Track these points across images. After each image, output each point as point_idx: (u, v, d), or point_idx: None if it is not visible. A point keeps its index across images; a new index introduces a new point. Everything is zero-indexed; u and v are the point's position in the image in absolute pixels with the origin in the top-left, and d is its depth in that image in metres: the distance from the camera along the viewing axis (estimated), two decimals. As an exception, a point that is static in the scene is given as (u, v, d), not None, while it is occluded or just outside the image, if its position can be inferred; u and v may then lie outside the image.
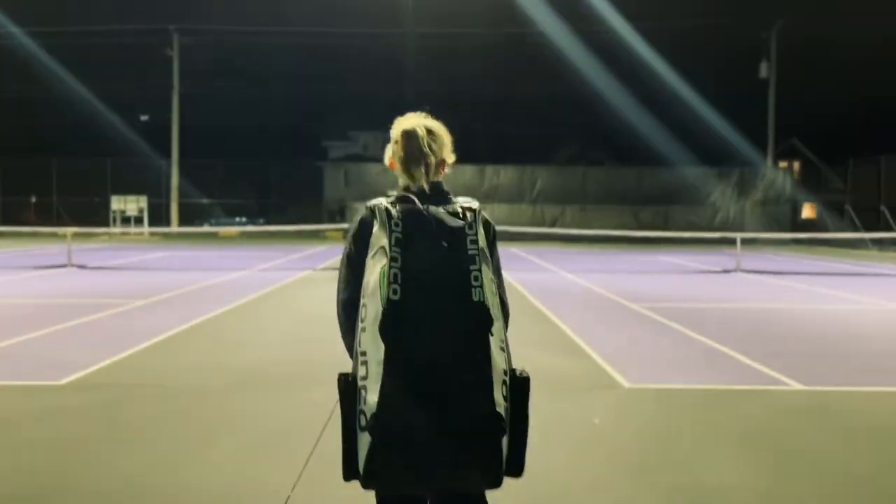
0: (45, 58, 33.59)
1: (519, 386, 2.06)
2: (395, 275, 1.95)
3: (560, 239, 28.99)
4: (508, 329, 2.18)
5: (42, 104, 34.00)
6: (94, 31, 32.95)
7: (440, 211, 2.07)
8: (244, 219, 41.37)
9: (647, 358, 6.97)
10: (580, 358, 6.91)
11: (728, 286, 13.65)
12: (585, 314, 9.95)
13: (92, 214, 31.80)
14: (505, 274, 2.46)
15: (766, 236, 23.57)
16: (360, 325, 1.97)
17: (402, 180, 2.24)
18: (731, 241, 27.06)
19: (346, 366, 2.11)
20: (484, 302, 1.98)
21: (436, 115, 2.33)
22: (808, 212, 36.58)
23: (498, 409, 1.94)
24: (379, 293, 1.94)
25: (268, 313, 9.66)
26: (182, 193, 35.46)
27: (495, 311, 2.02)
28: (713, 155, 37.11)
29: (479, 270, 2.00)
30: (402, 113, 2.34)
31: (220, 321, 8.96)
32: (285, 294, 11.71)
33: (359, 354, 1.97)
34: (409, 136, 2.22)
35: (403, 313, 1.92)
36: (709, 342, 7.75)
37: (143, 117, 35.04)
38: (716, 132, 37.94)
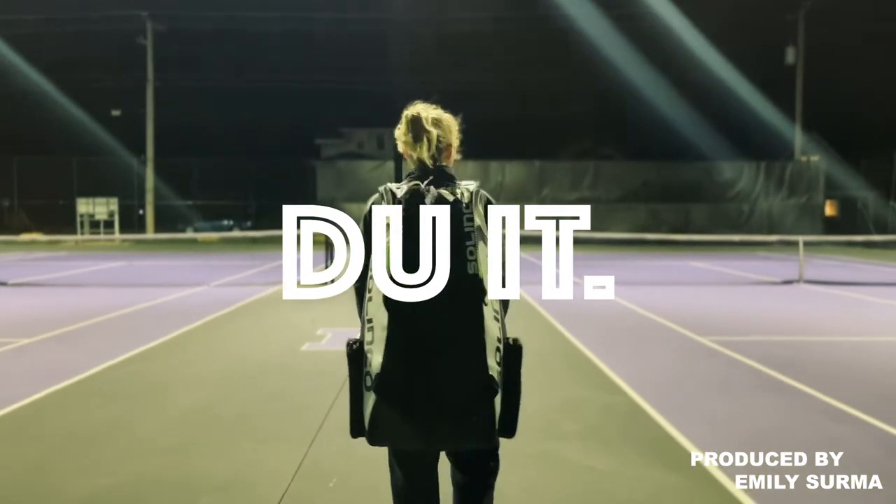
0: (3, 46, 30.69)
1: (513, 353, 2.26)
2: (398, 248, 2.13)
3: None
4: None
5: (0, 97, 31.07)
6: (60, 18, 30.08)
7: (441, 192, 2.22)
8: (230, 222, 38.68)
9: (753, 436, 4.11)
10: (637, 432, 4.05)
11: (809, 305, 10.77)
12: (635, 350, 7.09)
13: (57, 219, 28.97)
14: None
15: (830, 239, 20.44)
16: (368, 296, 2.22)
17: (411, 164, 2.42)
18: (764, 244, 24.34)
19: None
20: (478, 274, 2.17)
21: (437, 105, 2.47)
22: (829, 209, 33.72)
23: (490, 373, 2.14)
24: (384, 264, 2.14)
25: (174, 368, 6.81)
26: (159, 195, 32.66)
27: (490, 283, 2.19)
28: (737, 148, 34.25)
29: (475, 246, 2.19)
30: (397, 106, 2.55)
31: (91, 387, 6.10)
32: (224, 328, 8.86)
33: (365, 321, 2.22)
34: (414, 120, 2.40)
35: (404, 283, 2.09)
36: (855, 413, 4.89)
37: (115, 112, 32.12)
38: (739, 123, 35.08)
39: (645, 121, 39.84)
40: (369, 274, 2.23)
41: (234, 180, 35.29)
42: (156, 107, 31.38)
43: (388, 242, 2.18)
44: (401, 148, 2.45)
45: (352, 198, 29.07)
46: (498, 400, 2.18)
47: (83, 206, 29.94)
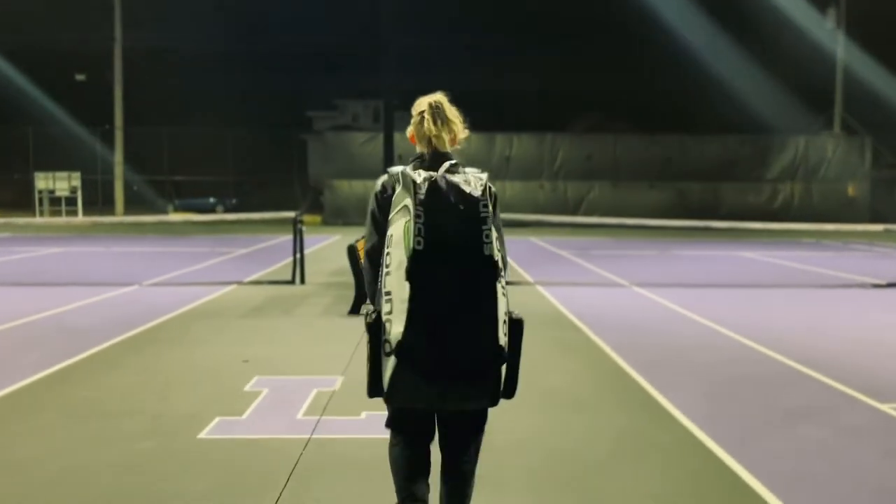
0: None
1: (515, 325, 2.42)
2: (419, 229, 2.28)
3: (586, 225, 22.89)
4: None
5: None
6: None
7: (456, 178, 2.37)
8: (214, 200, 35.70)
9: None
10: None
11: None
12: (774, 430, 4.03)
13: (12, 195, 25.82)
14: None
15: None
16: (385, 270, 2.34)
17: (419, 148, 2.59)
18: (799, 232, 21.11)
19: None
20: (493, 255, 2.32)
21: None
22: (851, 190, 30.60)
23: (500, 342, 2.34)
24: (403, 244, 2.30)
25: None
26: (136, 169, 29.53)
27: (501, 264, 2.37)
28: (769, 122, 31.09)
29: (490, 230, 2.33)
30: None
31: None
32: (107, 373, 5.81)
33: (383, 294, 2.33)
34: (434, 109, 2.56)
35: (426, 261, 2.27)
36: None
37: (79, 76, 28.77)
38: (770, 95, 31.89)
39: (666, 93, 36.65)
40: (386, 251, 2.36)
41: (219, 154, 32.09)
42: (124, 71, 28.12)
43: (408, 224, 2.31)
44: (415, 131, 2.60)
45: (341, 174, 25.90)
46: (503, 368, 2.40)
47: (42, 182, 26.82)
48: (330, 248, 16.35)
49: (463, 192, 2.34)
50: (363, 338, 2.50)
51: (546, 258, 14.35)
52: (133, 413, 4.40)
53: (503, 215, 2.70)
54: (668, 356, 6.01)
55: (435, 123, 2.54)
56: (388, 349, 2.31)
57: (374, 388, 2.41)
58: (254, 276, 11.04)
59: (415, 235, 2.28)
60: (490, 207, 2.36)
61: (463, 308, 2.29)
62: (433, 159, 2.52)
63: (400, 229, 2.33)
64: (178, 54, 33.55)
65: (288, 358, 5.83)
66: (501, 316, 2.35)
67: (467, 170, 2.47)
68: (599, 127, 37.29)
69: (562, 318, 7.71)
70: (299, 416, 4.37)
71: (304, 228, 10.60)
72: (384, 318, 2.32)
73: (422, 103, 2.60)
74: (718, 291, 9.90)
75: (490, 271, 2.32)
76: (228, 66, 39.82)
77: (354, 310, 7.84)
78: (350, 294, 8.29)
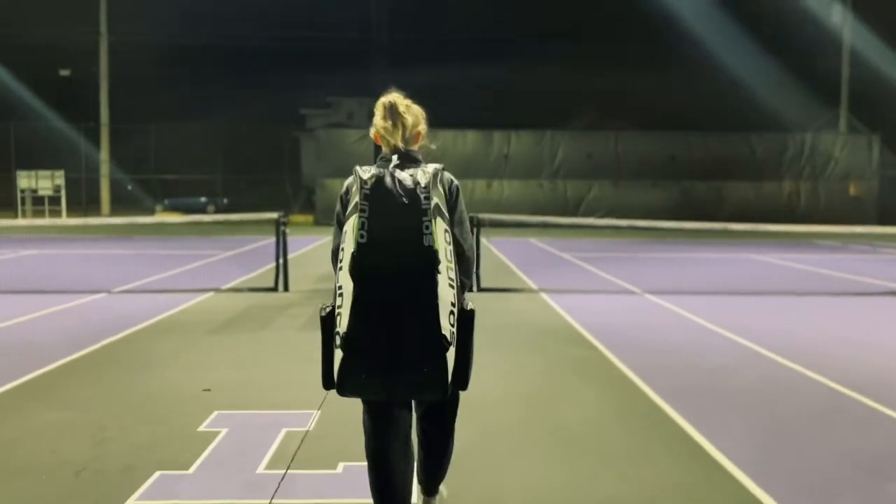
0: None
1: (465, 317, 2.46)
2: (363, 223, 2.34)
3: (586, 225, 21.96)
4: None
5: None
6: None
7: (402, 173, 2.43)
8: (205, 199, 34.89)
9: None
10: None
11: None
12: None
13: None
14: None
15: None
16: (339, 266, 2.42)
17: (384, 147, 2.62)
18: (813, 234, 20.32)
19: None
20: (433, 246, 2.34)
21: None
22: (854, 189, 29.79)
23: (443, 332, 2.34)
24: (352, 238, 2.36)
25: None
26: (122, 167, 28.63)
27: (444, 254, 2.38)
28: (771, 119, 30.33)
29: (431, 221, 2.36)
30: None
31: None
32: (47, 398, 4.97)
33: (336, 288, 2.41)
34: (387, 107, 2.62)
35: (369, 253, 2.33)
36: None
37: (64, 72, 27.80)
38: (775, 92, 31.13)
39: (666, 90, 35.84)
40: (341, 247, 2.43)
41: (209, 152, 31.18)
42: (110, 66, 27.20)
43: (355, 219, 2.36)
44: (375, 132, 2.64)
45: (334, 173, 25.00)
46: (451, 357, 2.38)
47: (24, 180, 25.90)
48: (320, 249, 15.49)
49: (405, 185, 2.39)
50: None
51: (548, 261, 13.51)
52: (51, 467, 3.54)
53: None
54: (702, 382, 5.17)
55: (385, 121, 2.60)
56: (337, 342, 2.38)
57: (327, 381, 2.46)
58: (234, 283, 10.18)
59: (358, 229, 2.34)
60: (434, 199, 2.39)
61: (404, 298, 2.34)
62: (391, 157, 2.55)
63: (351, 225, 2.38)
64: (166, 49, 32.63)
65: (258, 385, 4.99)
66: (445, 306, 2.36)
67: (427, 165, 2.51)
68: (599, 124, 36.48)
69: (572, 333, 6.87)
70: (260, 468, 3.53)
71: (287, 231, 9.75)
72: (336, 311, 2.39)
73: (378, 104, 2.66)
74: (740, 300, 9.08)
75: (430, 261, 2.35)
76: (220, 62, 38.89)
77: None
78: (336, 304, 7.44)
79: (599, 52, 39.39)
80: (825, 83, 30.88)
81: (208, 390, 4.81)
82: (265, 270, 11.30)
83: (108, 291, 9.27)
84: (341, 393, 2.44)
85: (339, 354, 2.39)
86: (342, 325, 2.35)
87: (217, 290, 9.43)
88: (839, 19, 28.76)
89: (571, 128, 31.74)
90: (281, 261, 9.54)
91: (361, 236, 2.33)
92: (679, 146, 26.13)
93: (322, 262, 12.66)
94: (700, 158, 25.90)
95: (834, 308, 8.63)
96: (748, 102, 31.82)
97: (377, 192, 2.36)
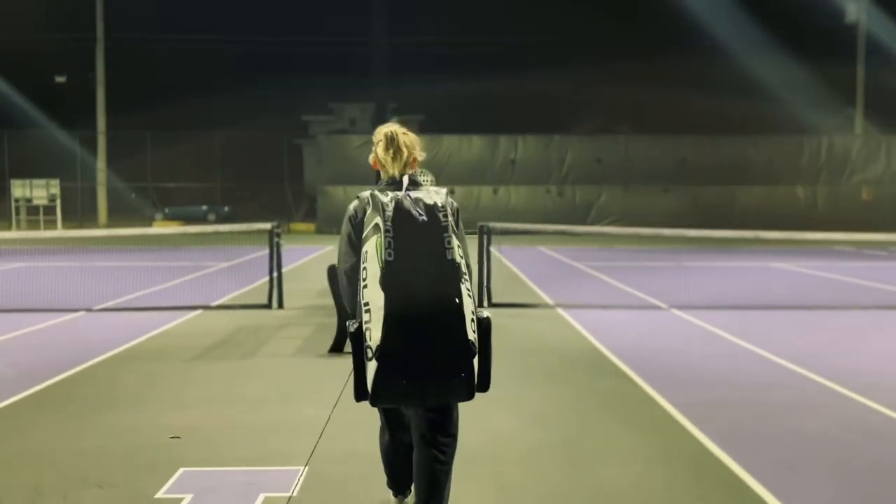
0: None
1: (482, 324, 2.64)
2: (389, 242, 2.53)
3: (594, 233, 21.19)
4: None
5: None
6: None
7: (419, 194, 2.65)
8: (206, 207, 34.34)
9: None
10: None
11: None
12: None
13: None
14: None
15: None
16: (363, 284, 2.55)
17: (384, 174, 2.82)
18: (834, 240, 19.40)
19: None
20: (455, 260, 2.58)
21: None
22: (865, 194, 28.93)
23: (469, 339, 2.54)
24: (377, 257, 2.53)
25: None
26: (119, 176, 27.96)
27: (463, 268, 2.61)
28: (785, 121, 29.57)
29: (451, 237, 2.60)
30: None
31: None
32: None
33: (362, 305, 2.54)
34: (389, 137, 2.80)
35: (397, 269, 2.51)
36: None
37: (59, 78, 27.18)
38: (787, 94, 30.37)
39: (673, 95, 35.10)
40: (363, 266, 2.57)
41: (204, 160, 30.53)
42: (106, 72, 26.58)
43: (378, 239, 2.54)
44: (375, 159, 2.85)
45: (335, 180, 24.28)
46: (475, 361, 2.57)
47: (18, 190, 25.22)
48: (320, 260, 14.75)
49: (425, 204, 2.62)
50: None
51: (561, 272, 12.75)
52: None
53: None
54: (761, 424, 4.40)
55: (387, 152, 2.78)
56: (369, 354, 2.50)
57: (360, 393, 2.57)
58: (225, 298, 9.44)
59: (385, 248, 2.53)
60: (449, 217, 2.63)
61: (433, 309, 2.52)
62: (397, 182, 2.73)
63: (373, 246, 2.56)
64: (165, 55, 32.05)
65: (236, 429, 4.24)
66: (469, 315, 2.55)
67: (429, 187, 2.75)
68: (607, 128, 35.77)
69: (598, 358, 6.10)
70: (227, 557, 2.77)
71: (282, 242, 9.02)
72: (364, 326, 2.51)
73: (379, 133, 2.85)
74: (777, 316, 8.29)
75: (455, 274, 2.55)
76: (221, 68, 38.31)
77: (337, 347, 6.26)
78: (334, 322, 6.65)
79: (606, 53, 38.70)
80: (838, 84, 30.16)
81: (177, 437, 4.06)
82: (261, 283, 10.53)
83: (88, 309, 8.55)
84: (375, 403, 2.57)
85: (371, 366, 2.50)
86: (372, 339, 2.48)
87: (206, 308, 8.68)
88: (855, 17, 28.01)
89: (579, 132, 31.00)
90: (275, 275, 8.79)
91: (389, 254, 2.51)
92: (690, 150, 25.34)
93: (323, 273, 11.91)
94: (712, 162, 25.07)
95: (879, 323, 7.83)
96: (764, 104, 31.06)
97: (399, 214, 2.56)
